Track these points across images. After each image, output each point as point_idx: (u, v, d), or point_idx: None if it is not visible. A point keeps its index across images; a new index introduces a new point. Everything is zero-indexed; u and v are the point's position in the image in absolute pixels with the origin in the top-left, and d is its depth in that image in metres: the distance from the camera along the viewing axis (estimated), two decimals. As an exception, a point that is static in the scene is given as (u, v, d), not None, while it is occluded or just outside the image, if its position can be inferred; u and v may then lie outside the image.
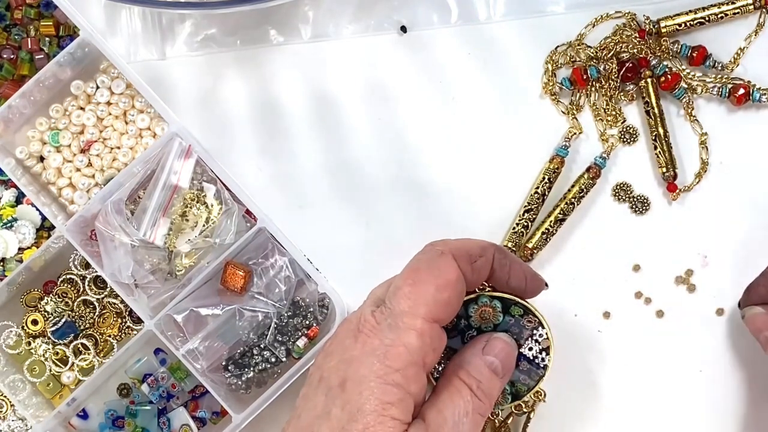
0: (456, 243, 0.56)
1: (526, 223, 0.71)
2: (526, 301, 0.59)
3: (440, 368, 0.58)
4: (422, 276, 0.53)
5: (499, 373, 0.56)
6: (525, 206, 0.71)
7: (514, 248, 0.71)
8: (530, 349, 0.59)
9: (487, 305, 0.58)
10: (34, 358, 0.73)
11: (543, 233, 0.71)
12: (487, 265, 0.56)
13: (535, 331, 0.59)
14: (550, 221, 0.70)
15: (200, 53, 0.75)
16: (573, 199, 0.71)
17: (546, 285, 0.60)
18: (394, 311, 0.52)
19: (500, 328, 0.59)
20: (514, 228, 0.71)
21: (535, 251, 0.71)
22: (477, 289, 0.59)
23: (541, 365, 0.59)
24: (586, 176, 0.71)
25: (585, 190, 0.71)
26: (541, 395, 0.60)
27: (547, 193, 0.71)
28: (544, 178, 0.71)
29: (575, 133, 0.72)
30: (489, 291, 0.59)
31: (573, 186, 0.71)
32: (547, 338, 0.59)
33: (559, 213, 0.71)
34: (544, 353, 0.59)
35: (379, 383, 0.50)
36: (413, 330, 0.51)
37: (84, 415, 0.73)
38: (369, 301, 0.55)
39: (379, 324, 0.52)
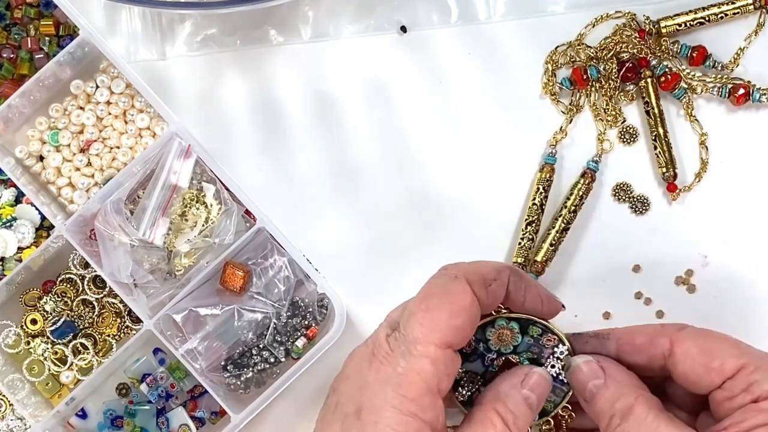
0: (470, 266, 0.55)
1: (531, 236, 0.71)
2: (545, 320, 0.58)
3: (464, 391, 0.58)
4: (436, 302, 0.52)
5: (534, 409, 0.55)
6: (526, 219, 0.71)
7: (524, 263, 0.71)
8: (553, 366, 0.58)
9: (504, 327, 0.58)
10: (33, 358, 0.72)
11: (551, 245, 0.70)
12: (502, 288, 0.55)
13: (555, 349, 0.58)
14: (556, 231, 0.70)
15: (200, 53, 0.75)
16: (573, 207, 0.71)
17: (563, 307, 0.59)
18: (408, 338, 0.51)
19: (519, 349, 0.58)
20: (520, 243, 0.71)
21: (545, 264, 0.71)
22: (493, 312, 0.58)
23: (566, 381, 0.58)
24: (582, 182, 0.71)
25: (583, 195, 0.71)
26: (568, 411, 0.59)
27: (544, 202, 0.71)
28: (539, 189, 0.71)
29: (559, 139, 0.72)
30: (505, 313, 0.58)
31: (571, 193, 0.71)
32: (569, 354, 0.58)
33: (563, 222, 0.70)
34: (567, 369, 0.58)
35: (395, 413, 0.50)
36: (427, 357, 0.51)
37: (83, 415, 0.73)
38: (385, 323, 0.55)
39: (392, 351, 0.52)
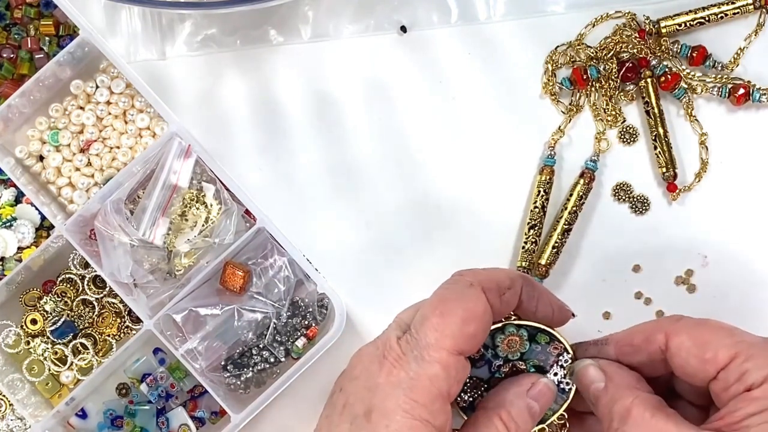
0: (485, 274, 0.55)
1: (534, 240, 0.71)
2: (553, 329, 0.58)
3: (466, 397, 0.58)
4: (450, 307, 0.52)
5: (535, 418, 0.56)
6: (528, 223, 0.71)
7: (528, 267, 0.71)
8: (555, 374, 0.58)
9: (514, 335, 0.58)
10: (33, 358, 0.72)
11: (553, 247, 0.70)
12: (515, 297, 0.56)
13: (560, 357, 0.58)
14: (558, 234, 0.70)
15: (200, 53, 0.75)
16: (574, 208, 0.71)
17: (573, 315, 0.60)
18: (420, 342, 0.51)
19: (526, 356, 0.58)
20: (523, 246, 0.71)
21: (549, 267, 0.70)
22: (503, 318, 0.58)
23: (566, 389, 0.58)
24: (581, 182, 0.71)
25: (583, 196, 0.71)
26: (563, 419, 0.60)
27: (545, 205, 0.71)
28: (539, 191, 0.71)
29: (557, 139, 0.72)
30: (515, 320, 0.58)
31: (571, 194, 0.71)
32: (572, 363, 0.58)
33: (565, 224, 0.70)
34: (568, 377, 0.58)
35: (406, 417, 0.50)
36: (438, 363, 0.51)
37: (83, 415, 0.73)
38: (394, 324, 0.55)
39: (404, 354, 0.51)
